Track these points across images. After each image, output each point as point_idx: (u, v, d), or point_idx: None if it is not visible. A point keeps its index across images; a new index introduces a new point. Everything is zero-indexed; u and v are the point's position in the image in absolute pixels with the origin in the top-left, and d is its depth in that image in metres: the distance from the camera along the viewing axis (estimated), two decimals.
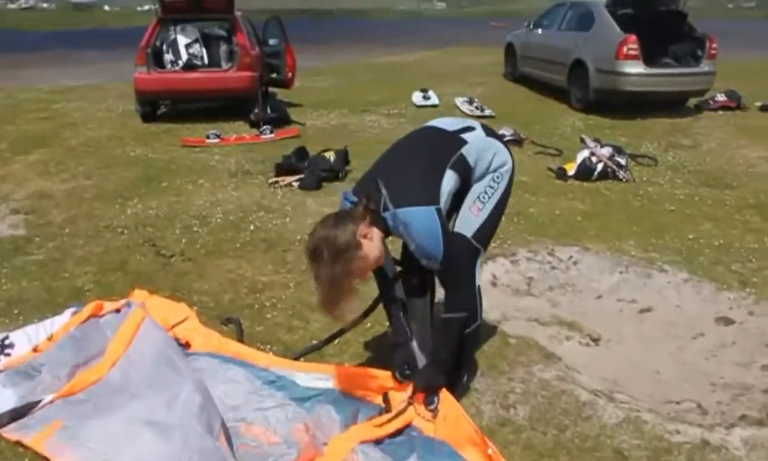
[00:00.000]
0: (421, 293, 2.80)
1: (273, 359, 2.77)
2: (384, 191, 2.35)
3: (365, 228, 2.26)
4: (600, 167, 6.31)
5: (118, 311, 3.11)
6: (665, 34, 9.54)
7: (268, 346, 3.15)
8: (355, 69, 16.27)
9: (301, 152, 6.21)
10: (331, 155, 6.07)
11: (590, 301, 4.11)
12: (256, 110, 8.57)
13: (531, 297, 4.13)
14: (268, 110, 8.65)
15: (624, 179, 6.26)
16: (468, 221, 2.51)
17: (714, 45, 9.28)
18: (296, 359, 2.88)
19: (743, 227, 5.05)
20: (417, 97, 10.85)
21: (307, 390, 2.58)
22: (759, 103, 10.09)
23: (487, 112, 9.79)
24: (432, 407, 2.43)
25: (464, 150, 2.51)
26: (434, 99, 10.76)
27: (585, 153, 6.44)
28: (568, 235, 4.81)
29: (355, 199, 2.34)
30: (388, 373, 2.56)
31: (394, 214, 2.32)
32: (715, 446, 2.53)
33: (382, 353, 2.96)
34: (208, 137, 7.60)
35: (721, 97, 9.91)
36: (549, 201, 5.60)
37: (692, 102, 10.10)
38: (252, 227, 4.75)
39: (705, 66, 9.28)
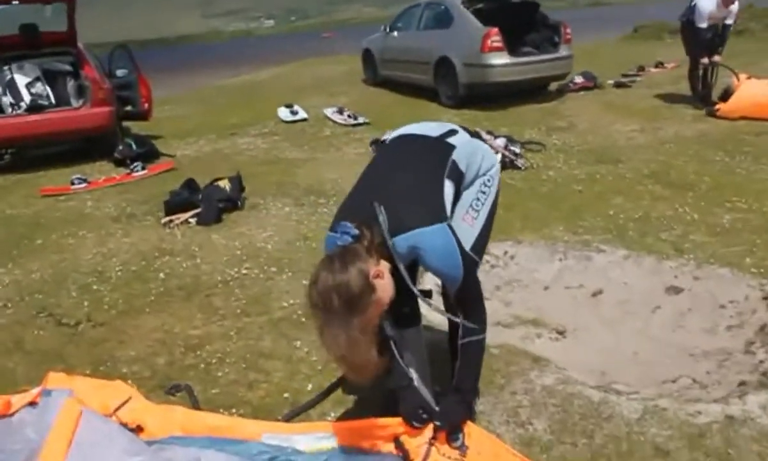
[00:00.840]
0: (415, 322, 2.49)
1: (261, 425, 2.31)
2: (383, 216, 2.02)
3: (375, 266, 1.92)
4: (498, 157, 6.29)
5: (34, 404, 2.51)
6: (521, 25, 9.89)
7: (233, 410, 2.71)
8: (208, 93, 15.49)
9: (191, 185, 5.64)
10: (225, 184, 5.57)
11: (540, 293, 4.01)
12: (120, 147, 7.78)
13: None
14: (133, 146, 7.89)
15: (523, 167, 6.29)
16: (463, 233, 2.20)
17: (568, 31, 9.75)
18: (287, 420, 2.46)
19: (650, 197, 5.20)
20: (283, 112, 10.44)
21: (312, 456, 2.17)
22: (611, 81, 10.73)
23: (361, 119, 9.61)
24: (458, 444, 2.13)
25: (454, 156, 2.24)
26: (302, 113, 10.41)
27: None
28: (493, 230, 4.68)
29: (356, 232, 1.96)
30: (397, 419, 2.22)
31: (405, 239, 2.00)
32: (740, 419, 2.47)
33: (374, 399, 2.60)
34: (72, 183, 6.74)
35: (579, 79, 10.43)
36: None
37: (554, 86, 10.53)
38: (161, 275, 4.18)
39: (563, 51, 9.70)
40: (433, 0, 10.87)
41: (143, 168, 7.23)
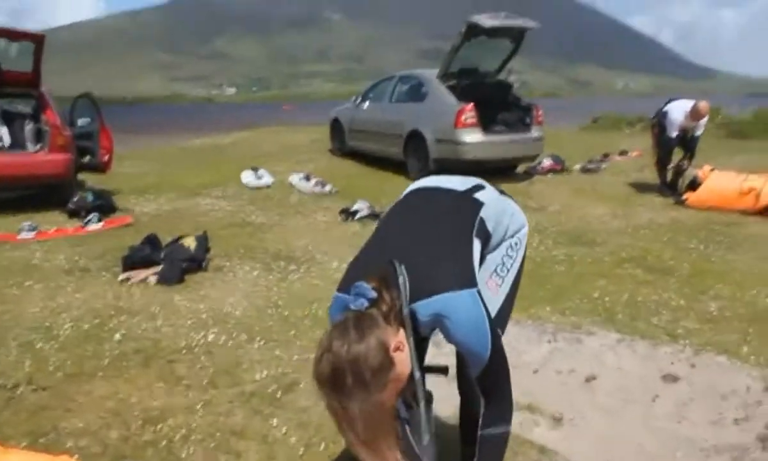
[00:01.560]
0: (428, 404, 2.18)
1: None
2: (404, 276, 1.74)
3: (394, 337, 1.64)
4: None
5: None
6: (494, 104, 9.96)
7: None
8: (168, 153, 15.17)
9: (153, 241, 5.27)
10: (190, 243, 5.21)
11: (529, 376, 3.74)
12: (75, 198, 7.35)
13: None
14: (89, 197, 7.47)
15: None
16: (486, 301, 1.86)
17: (540, 112, 9.87)
18: None
19: (633, 281, 5.06)
20: (248, 176, 10.17)
21: None
22: (578, 166, 10.85)
23: (328, 188, 9.42)
24: None
25: (483, 213, 1.98)
26: (267, 178, 10.16)
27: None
28: None
29: (374, 295, 1.66)
30: None
31: (428, 305, 1.72)
32: None
33: None
34: (20, 231, 6.28)
35: (547, 162, 10.51)
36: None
37: (521, 168, 10.57)
38: (117, 336, 3.77)
39: (535, 132, 9.79)
40: (408, 74, 10.93)
41: (99, 220, 6.82)
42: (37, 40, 7.60)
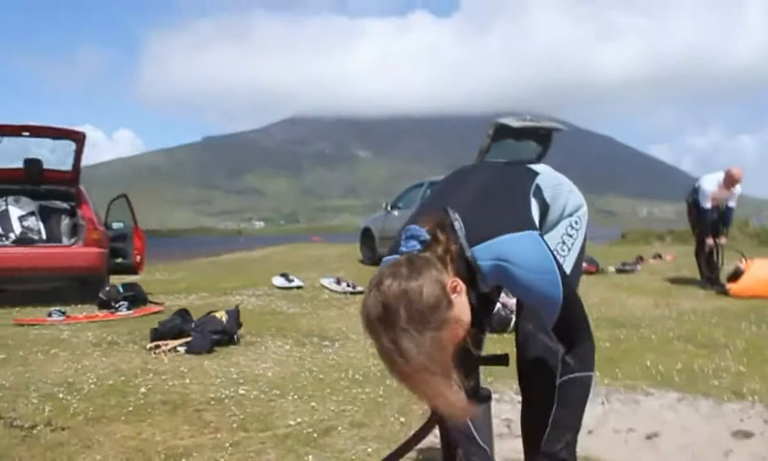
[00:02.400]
0: (481, 398, 1.96)
1: None
2: (459, 223, 1.60)
3: (451, 277, 1.47)
4: (514, 317, 5.90)
5: None
6: None
7: None
8: (200, 264, 15.30)
9: (184, 314, 5.14)
10: (222, 316, 5.06)
11: (584, 436, 3.40)
12: (107, 289, 7.31)
13: (517, 439, 3.35)
14: (120, 289, 7.42)
15: None
16: None
17: None
18: None
19: (686, 355, 4.76)
20: (279, 280, 10.10)
21: None
22: (612, 269, 10.64)
23: (361, 288, 9.28)
24: None
25: (539, 181, 1.86)
26: (297, 281, 10.10)
27: (497, 305, 6.02)
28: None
29: (426, 237, 1.52)
30: None
31: (486, 249, 1.57)
32: None
33: None
34: (50, 315, 6.20)
35: (583, 263, 10.31)
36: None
37: None
38: (143, 390, 3.57)
39: None
40: (437, 179, 11.05)
41: (128, 309, 6.72)
42: (78, 138, 7.87)
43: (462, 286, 1.48)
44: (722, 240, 8.33)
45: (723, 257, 8.44)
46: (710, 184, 8.10)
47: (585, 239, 1.99)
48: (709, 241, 8.33)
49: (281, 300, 8.15)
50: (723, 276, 8.31)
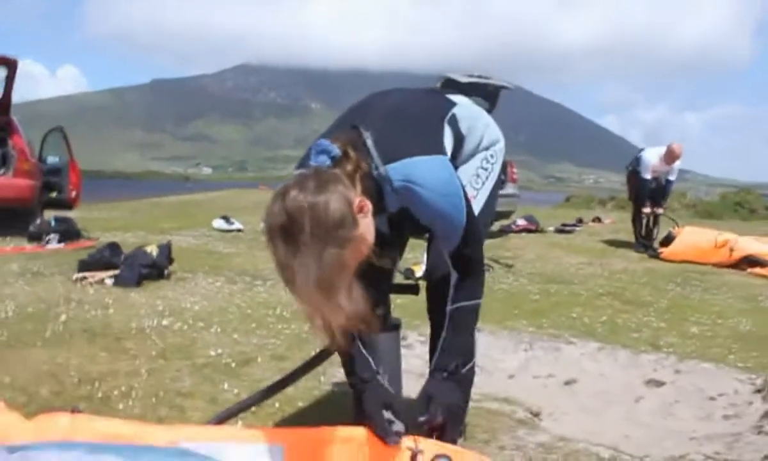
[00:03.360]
0: (390, 327, 1.96)
1: (180, 430, 1.65)
2: (371, 141, 1.58)
3: (358, 196, 1.45)
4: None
5: None
6: None
7: None
8: (140, 205, 14.92)
9: (113, 247, 5.01)
10: (153, 250, 4.95)
11: (504, 381, 3.50)
12: (37, 221, 7.07)
13: None
14: (52, 223, 7.19)
15: None
16: None
17: (514, 170, 9.91)
18: (219, 423, 1.79)
19: (611, 310, 4.89)
20: (219, 223, 9.96)
21: None
22: (552, 228, 10.84)
23: None
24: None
25: (456, 111, 1.84)
26: (238, 224, 9.97)
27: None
28: None
29: (337, 152, 1.49)
30: (363, 430, 1.63)
31: (395, 169, 1.55)
32: None
33: (331, 407, 2.01)
34: None
35: (521, 221, 10.50)
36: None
37: (495, 226, 10.52)
38: (63, 318, 3.47)
39: (509, 189, 9.79)
40: None
41: (59, 242, 6.52)
42: (10, 64, 7.49)
43: (369, 206, 1.46)
44: (659, 210, 8.56)
45: (659, 225, 8.67)
46: (652, 156, 8.29)
47: (501, 175, 1.99)
48: (646, 209, 8.54)
49: (219, 241, 8.05)
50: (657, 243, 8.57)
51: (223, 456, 1.56)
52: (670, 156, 8.16)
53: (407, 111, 1.74)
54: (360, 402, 1.66)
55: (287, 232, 1.34)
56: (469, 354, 1.70)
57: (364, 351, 1.76)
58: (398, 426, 1.57)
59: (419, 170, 1.55)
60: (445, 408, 1.59)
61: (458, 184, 1.60)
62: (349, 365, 1.72)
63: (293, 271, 1.34)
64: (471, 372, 1.73)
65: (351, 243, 1.38)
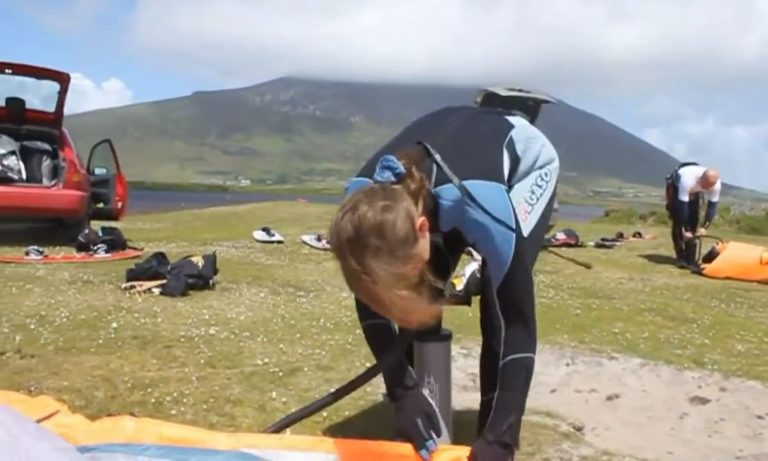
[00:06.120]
0: (442, 337, 2.00)
1: (241, 438, 1.71)
2: (438, 157, 1.63)
3: (420, 216, 1.50)
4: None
5: None
6: None
7: None
8: (182, 217, 15.25)
9: (160, 257, 5.15)
10: (199, 261, 5.08)
11: (547, 395, 3.50)
12: (86, 231, 7.29)
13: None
14: (100, 233, 7.41)
15: None
16: None
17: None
18: (277, 432, 1.84)
19: (654, 325, 4.84)
20: (259, 234, 10.12)
21: None
22: (592, 242, 10.74)
23: None
24: None
25: (513, 134, 1.87)
26: (278, 236, 10.12)
27: (474, 266, 6.07)
28: None
29: (402, 170, 1.53)
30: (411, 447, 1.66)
31: (452, 189, 1.59)
32: None
33: (377, 419, 2.06)
34: (27, 254, 6.19)
35: (561, 236, 10.42)
36: (452, 309, 5.05)
37: None
38: (114, 325, 3.60)
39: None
40: None
41: (107, 252, 6.72)
42: (62, 79, 7.76)
43: (427, 225, 1.52)
44: (702, 231, 8.43)
45: (700, 242, 8.52)
46: (690, 178, 8.19)
47: (555, 194, 2.02)
48: (688, 234, 8.40)
49: (260, 253, 8.18)
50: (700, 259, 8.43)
51: None
52: (706, 182, 8.08)
53: (468, 132, 1.77)
54: (399, 409, 1.69)
55: (355, 245, 1.41)
56: (521, 411, 1.69)
57: (407, 363, 1.80)
58: (432, 438, 1.61)
59: (478, 193, 1.59)
60: None
61: (512, 215, 1.61)
62: (392, 375, 1.76)
63: (359, 278, 1.41)
64: (518, 426, 1.73)
65: (411, 260, 1.45)
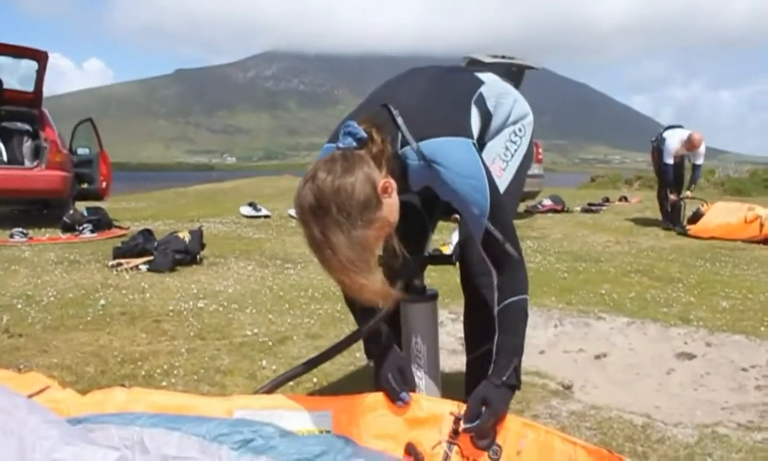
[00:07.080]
0: (427, 297, 2.01)
1: (234, 400, 1.72)
2: (400, 120, 1.63)
3: (384, 178, 1.50)
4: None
5: None
6: None
7: None
8: (167, 195, 15.14)
9: (147, 234, 5.13)
10: (185, 236, 5.06)
11: (535, 356, 3.54)
12: (70, 212, 7.23)
13: None
14: (85, 213, 7.34)
15: None
16: None
17: (540, 150, 9.85)
18: (269, 393, 1.85)
19: (640, 286, 4.90)
20: (246, 209, 10.09)
21: (303, 439, 1.59)
22: (578, 208, 10.79)
23: None
24: (486, 444, 1.61)
25: (483, 90, 1.86)
26: (265, 211, 10.09)
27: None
28: None
29: (363, 135, 1.53)
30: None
31: (419, 149, 1.60)
32: None
33: (366, 382, 2.08)
34: (12, 236, 6.13)
35: (547, 202, 10.47)
36: (438, 275, 5.07)
37: (521, 207, 10.50)
38: (102, 302, 3.59)
39: (535, 169, 9.75)
40: None
41: (92, 232, 6.67)
42: (40, 57, 7.62)
43: (393, 186, 1.51)
44: (687, 194, 8.49)
45: (685, 208, 8.58)
46: (674, 141, 8.21)
47: (530, 149, 2.01)
48: (672, 197, 8.45)
49: (247, 227, 8.16)
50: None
51: (278, 421, 1.62)
52: (691, 145, 8.12)
53: (435, 91, 1.76)
54: (375, 365, 1.75)
55: (316, 213, 1.41)
56: (520, 353, 1.71)
57: (385, 324, 1.82)
58: (405, 390, 1.67)
59: (443, 151, 1.58)
60: (497, 416, 1.62)
61: (481, 167, 1.60)
62: (368, 335, 1.78)
63: (323, 249, 1.41)
64: (519, 369, 1.75)
65: (374, 224, 1.45)
